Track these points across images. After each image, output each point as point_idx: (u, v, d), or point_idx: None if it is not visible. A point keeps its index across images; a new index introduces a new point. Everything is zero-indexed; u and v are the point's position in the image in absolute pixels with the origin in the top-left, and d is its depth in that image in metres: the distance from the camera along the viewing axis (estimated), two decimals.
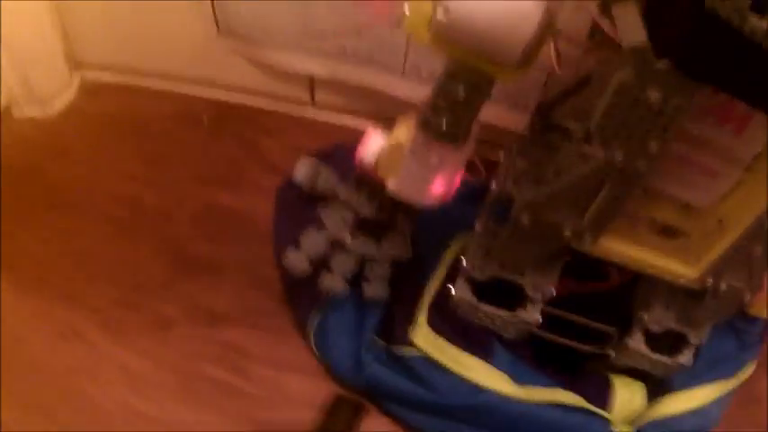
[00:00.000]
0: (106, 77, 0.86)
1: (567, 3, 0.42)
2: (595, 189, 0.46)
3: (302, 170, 0.58)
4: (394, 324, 0.61)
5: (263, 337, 0.66)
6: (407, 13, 0.41)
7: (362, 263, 0.59)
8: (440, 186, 0.50)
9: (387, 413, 0.63)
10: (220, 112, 0.84)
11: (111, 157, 0.78)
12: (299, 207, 0.66)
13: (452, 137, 0.46)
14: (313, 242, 0.57)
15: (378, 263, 0.59)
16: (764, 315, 0.60)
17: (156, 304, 0.66)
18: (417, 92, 0.72)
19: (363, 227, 0.58)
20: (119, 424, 0.58)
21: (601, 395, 0.60)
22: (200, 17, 0.76)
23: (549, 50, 0.46)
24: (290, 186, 0.70)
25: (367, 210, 0.56)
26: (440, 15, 0.38)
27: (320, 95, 0.84)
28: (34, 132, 0.79)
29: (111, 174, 0.76)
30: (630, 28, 0.37)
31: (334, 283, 0.58)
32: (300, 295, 0.65)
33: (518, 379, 0.59)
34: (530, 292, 0.53)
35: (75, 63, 0.84)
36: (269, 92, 0.83)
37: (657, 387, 0.61)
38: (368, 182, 0.55)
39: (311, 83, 0.82)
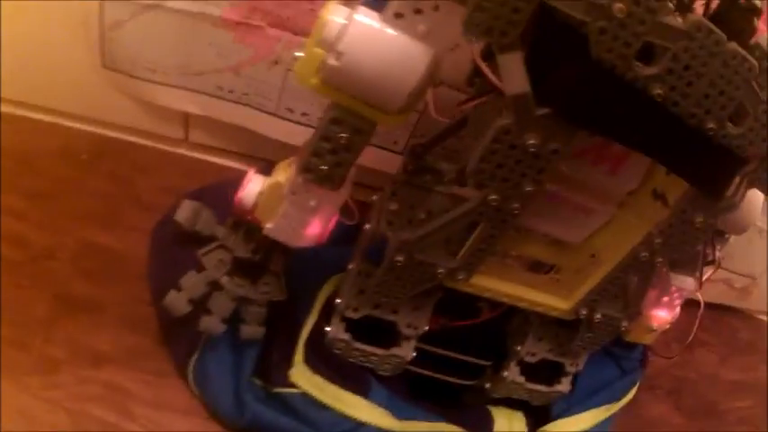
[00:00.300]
0: None
1: (450, 49, 0.40)
2: (469, 229, 0.45)
3: (183, 212, 0.54)
4: (272, 364, 0.59)
5: (144, 378, 0.61)
6: (299, 56, 0.39)
7: (239, 304, 0.57)
8: (316, 228, 0.49)
9: None
10: (99, 147, 0.78)
11: None
12: (174, 247, 0.63)
13: (332, 180, 0.45)
14: (193, 284, 0.54)
15: (254, 304, 0.57)
16: (643, 341, 0.62)
17: (43, 345, 0.61)
18: (289, 132, 0.69)
19: (240, 268, 0.56)
20: None
21: (481, 426, 0.59)
22: (87, 50, 0.71)
23: (427, 96, 0.44)
24: (164, 226, 0.66)
25: (243, 251, 0.54)
26: (332, 60, 0.37)
27: (194, 134, 0.80)
28: None
29: None
30: (514, 76, 0.35)
31: (212, 324, 0.55)
32: (178, 336, 0.62)
33: (397, 414, 0.57)
34: (403, 329, 0.53)
35: None
36: (145, 129, 0.79)
37: (539, 415, 0.60)
38: (244, 223, 0.54)
39: (186, 121, 0.78)
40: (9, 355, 0.60)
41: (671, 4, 0.34)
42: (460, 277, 0.47)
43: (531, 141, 0.37)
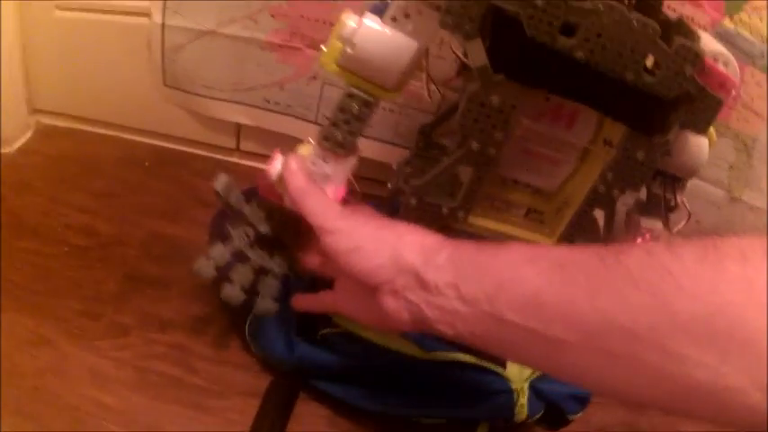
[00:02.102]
0: (60, 122, 0.95)
1: (435, 45, 0.55)
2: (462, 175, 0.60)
3: (220, 183, 0.65)
4: (316, 316, 0.72)
5: (206, 340, 0.75)
6: (324, 49, 0.55)
7: (257, 275, 0.66)
8: (330, 195, 0.61)
9: (314, 388, 0.73)
10: (159, 156, 0.93)
11: (65, 191, 0.86)
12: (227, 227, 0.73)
13: (345, 146, 0.58)
14: (219, 253, 0.64)
15: (270, 275, 0.66)
16: None
17: (113, 314, 0.75)
18: None
19: (261, 242, 0.66)
20: (85, 416, 0.66)
21: (496, 360, 0.70)
22: (150, 71, 0.85)
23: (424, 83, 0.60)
24: (221, 214, 0.78)
25: (264, 227, 0.65)
26: (349, 49, 0.54)
27: (245, 143, 0.94)
28: None
29: (66, 205, 0.85)
30: (477, 55, 0.53)
31: (233, 292, 0.64)
32: None
33: (424, 346, 0.69)
34: None
35: (32, 108, 0.93)
36: (201, 140, 0.93)
37: None
38: (267, 204, 0.65)
39: (238, 131, 0.92)
40: (81, 324, 0.73)
41: None
42: (460, 215, 0.61)
43: (495, 99, 0.53)
